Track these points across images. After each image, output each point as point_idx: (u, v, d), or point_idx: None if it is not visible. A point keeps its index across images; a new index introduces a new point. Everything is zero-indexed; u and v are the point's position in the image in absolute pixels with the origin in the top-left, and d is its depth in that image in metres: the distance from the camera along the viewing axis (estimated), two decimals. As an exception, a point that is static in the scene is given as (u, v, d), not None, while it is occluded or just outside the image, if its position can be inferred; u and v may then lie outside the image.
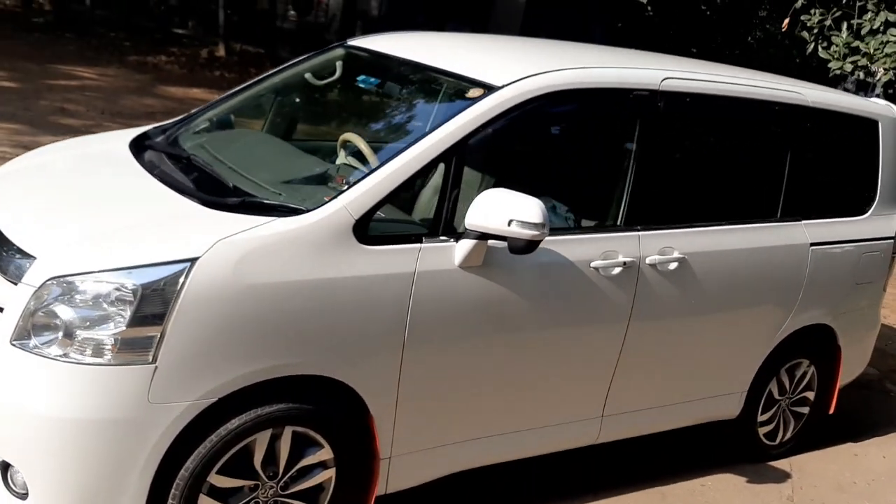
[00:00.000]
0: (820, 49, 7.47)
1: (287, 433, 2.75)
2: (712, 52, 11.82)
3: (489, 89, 3.08)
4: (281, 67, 3.97)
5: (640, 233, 3.43)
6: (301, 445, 2.81)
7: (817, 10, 7.52)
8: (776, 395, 4.26)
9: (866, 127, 4.33)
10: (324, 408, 2.79)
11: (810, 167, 4.08)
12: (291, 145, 3.63)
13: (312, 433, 2.80)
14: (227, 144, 3.51)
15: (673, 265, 3.50)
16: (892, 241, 4.44)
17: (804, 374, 4.34)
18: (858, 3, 7.22)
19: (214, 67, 14.32)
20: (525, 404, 3.32)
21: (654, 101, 3.41)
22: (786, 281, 3.96)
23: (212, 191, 2.93)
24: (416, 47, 3.64)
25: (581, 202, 3.53)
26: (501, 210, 2.83)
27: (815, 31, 7.54)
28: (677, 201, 3.65)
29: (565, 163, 3.59)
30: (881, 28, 6.93)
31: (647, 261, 3.42)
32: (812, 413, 4.49)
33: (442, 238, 2.93)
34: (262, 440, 2.70)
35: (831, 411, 4.54)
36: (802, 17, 7.69)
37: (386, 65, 3.63)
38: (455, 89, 3.22)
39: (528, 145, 3.44)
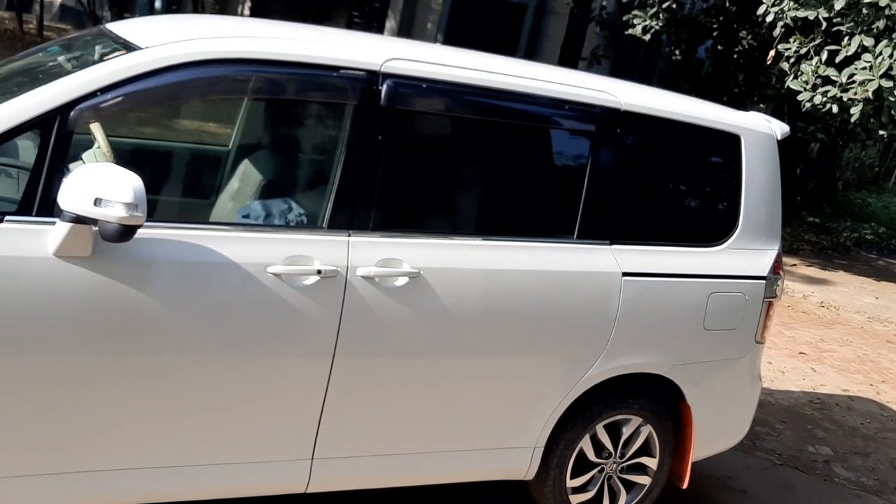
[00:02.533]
0: (791, 80, 6.58)
1: None
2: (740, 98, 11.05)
3: (130, 51, 2.64)
4: (37, 48, 3.64)
5: (350, 238, 2.86)
6: None
7: (796, 38, 6.66)
8: (592, 457, 3.52)
9: (723, 142, 3.61)
10: None
11: (628, 183, 3.40)
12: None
13: None
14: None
15: (400, 281, 2.91)
16: (761, 281, 3.67)
17: (635, 434, 3.58)
18: (835, 28, 6.34)
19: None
20: (184, 434, 2.76)
21: (373, 84, 2.86)
22: (585, 316, 3.27)
23: None
24: (139, 26, 3.22)
25: (262, 193, 3.00)
26: (90, 187, 2.35)
27: (792, 60, 6.68)
28: (413, 206, 3.06)
29: (243, 146, 3.08)
30: (858, 53, 6.01)
31: (359, 272, 2.85)
32: (658, 485, 3.72)
33: (34, 218, 2.47)
34: None
35: (684, 485, 3.74)
36: (780, 47, 6.84)
37: (104, 42, 3.23)
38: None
39: (194, 118, 2.95)
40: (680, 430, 3.68)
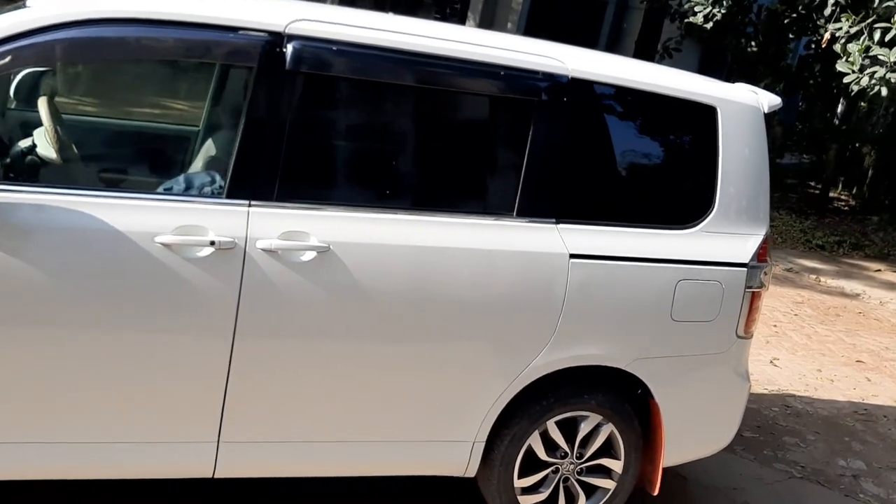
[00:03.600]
0: (840, 62, 6.02)
1: None
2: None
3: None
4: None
5: (250, 208, 2.71)
6: None
7: (847, 17, 6.09)
8: (543, 456, 3.24)
9: (696, 114, 3.28)
10: None
11: (577, 157, 3.12)
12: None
13: None
14: None
15: (307, 256, 2.74)
16: (742, 269, 3.31)
17: (595, 433, 3.28)
18: (886, 4, 5.75)
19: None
20: (68, 411, 2.65)
21: (276, 46, 2.70)
22: (526, 301, 3.01)
23: None
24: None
25: (161, 160, 2.88)
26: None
27: (843, 41, 6.12)
28: (324, 176, 2.88)
29: (138, 108, 2.95)
30: (908, 31, 5.45)
31: (260, 245, 2.69)
32: (624, 490, 3.40)
33: None
34: None
35: (655, 492, 3.42)
36: (831, 27, 6.28)
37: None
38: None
39: (85, 81, 2.86)
40: (650, 431, 3.37)
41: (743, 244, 3.33)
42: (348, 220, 2.81)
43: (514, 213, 3.01)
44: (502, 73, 2.96)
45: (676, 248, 3.21)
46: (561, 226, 3.05)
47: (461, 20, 16.29)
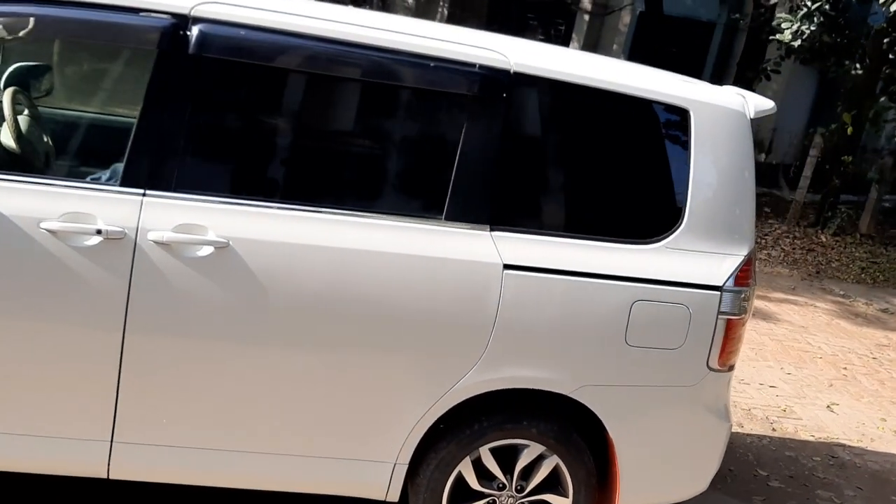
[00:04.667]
0: None
1: None
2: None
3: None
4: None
5: (144, 197, 2.58)
6: None
7: None
8: (475, 485, 2.96)
9: (664, 116, 2.94)
10: None
11: (518, 159, 2.84)
12: None
13: None
14: None
15: (204, 251, 2.59)
16: (714, 292, 2.94)
17: (537, 464, 2.97)
18: None
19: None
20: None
21: (180, 29, 2.58)
22: (452, 313, 2.75)
23: None
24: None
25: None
26: None
27: None
28: (228, 167, 2.72)
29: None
30: None
31: (151, 237, 2.56)
32: (576, 531, 3.07)
33: None
34: None
35: (610, 536, 3.07)
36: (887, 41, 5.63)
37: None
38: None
39: None
40: (600, 466, 3.03)
41: (717, 265, 2.96)
42: (252, 215, 2.64)
43: (443, 217, 2.77)
44: (432, 64, 2.73)
45: (632, 265, 2.88)
46: (495, 233, 2.79)
47: (565, 42, 15.99)
